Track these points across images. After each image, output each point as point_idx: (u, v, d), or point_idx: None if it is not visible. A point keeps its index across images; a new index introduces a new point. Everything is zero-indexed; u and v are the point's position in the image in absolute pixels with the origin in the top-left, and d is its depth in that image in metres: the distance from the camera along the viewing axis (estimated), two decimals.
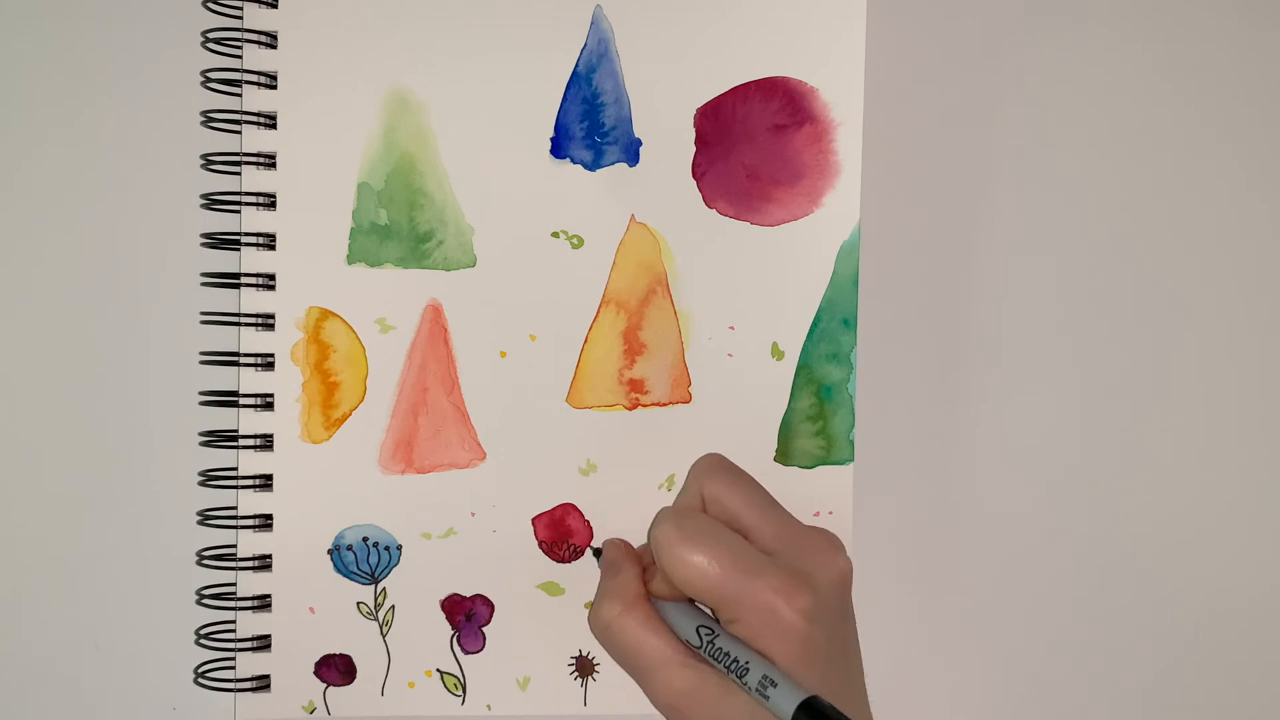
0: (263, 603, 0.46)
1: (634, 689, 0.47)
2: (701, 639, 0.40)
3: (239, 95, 0.45)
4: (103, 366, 0.47)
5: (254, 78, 0.45)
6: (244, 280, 0.46)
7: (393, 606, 0.47)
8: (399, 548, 0.47)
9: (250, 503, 0.46)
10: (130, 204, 0.47)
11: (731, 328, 0.47)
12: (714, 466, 0.44)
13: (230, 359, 0.46)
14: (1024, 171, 0.51)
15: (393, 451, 0.46)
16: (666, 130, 0.47)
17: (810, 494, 0.45)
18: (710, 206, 0.47)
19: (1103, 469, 0.51)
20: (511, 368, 0.47)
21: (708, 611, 0.42)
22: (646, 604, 0.42)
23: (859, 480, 0.48)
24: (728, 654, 0.39)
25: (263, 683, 0.46)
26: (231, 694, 0.46)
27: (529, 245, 0.46)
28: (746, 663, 0.39)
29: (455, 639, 0.47)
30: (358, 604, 0.47)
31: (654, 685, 0.41)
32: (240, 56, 0.45)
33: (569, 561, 0.47)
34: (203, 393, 0.46)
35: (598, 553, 0.45)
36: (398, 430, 0.46)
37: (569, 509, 0.47)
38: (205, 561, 0.46)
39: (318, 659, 0.47)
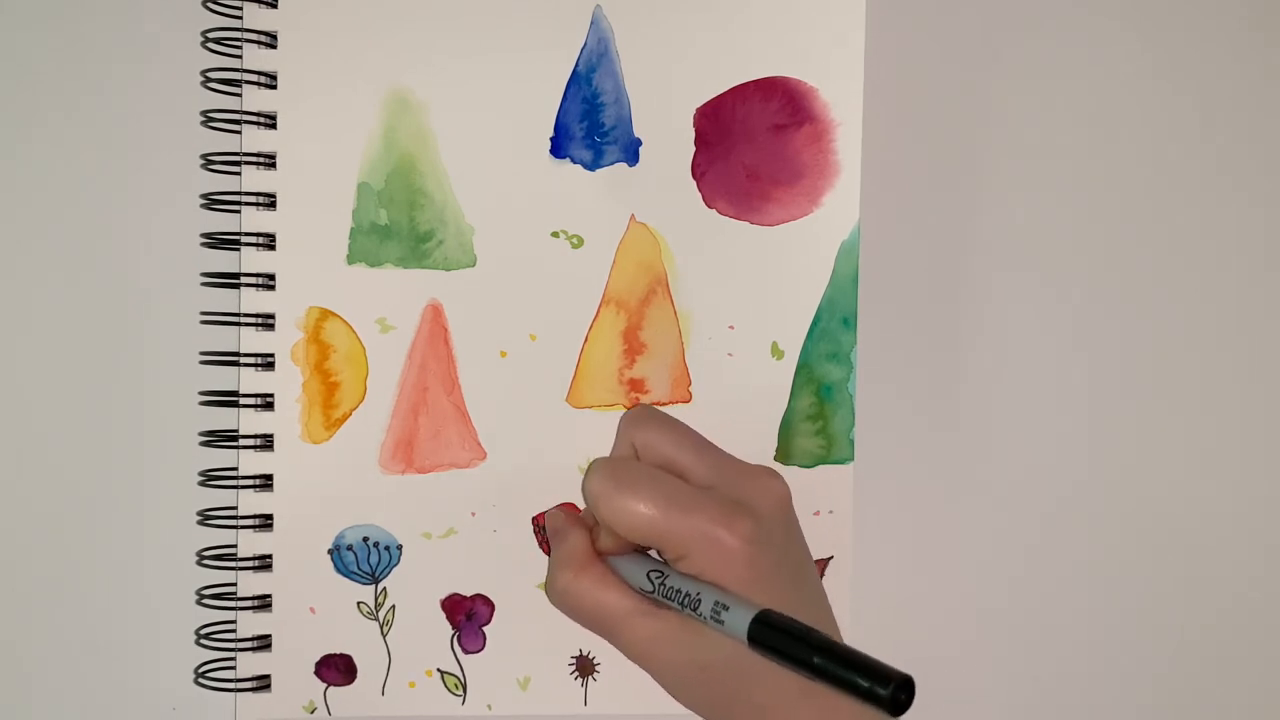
0: (263, 603, 0.46)
1: (634, 689, 0.47)
2: (653, 583, 0.41)
3: (239, 95, 0.45)
4: (103, 366, 0.47)
5: (254, 78, 0.45)
6: (244, 280, 0.46)
7: (393, 606, 0.47)
8: (399, 548, 0.47)
9: (250, 503, 0.46)
10: (130, 204, 0.47)
11: (731, 327, 0.47)
12: (641, 416, 0.44)
13: (230, 359, 0.46)
14: (1024, 171, 0.51)
15: (393, 451, 0.46)
16: (666, 130, 0.47)
17: (810, 493, 0.45)
18: (710, 206, 0.47)
19: (1105, 468, 0.51)
20: (511, 368, 0.47)
21: (657, 557, 0.42)
22: (599, 563, 0.42)
23: (859, 480, 0.48)
24: (679, 590, 0.40)
25: (263, 683, 0.46)
26: (232, 694, 0.46)
27: (529, 245, 0.47)
28: (698, 594, 0.39)
29: (456, 639, 0.47)
30: (358, 604, 0.47)
31: (621, 639, 0.41)
32: (240, 56, 0.45)
33: None
34: (203, 393, 0.46)
35: (542, 528, 0.46)
36: (398, 430, 0.46)
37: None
38: (205, 561, 0.46)
39: (318, 659, 0.47)
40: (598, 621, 0.42)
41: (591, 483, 0.41)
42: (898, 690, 0.34)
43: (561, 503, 0.47)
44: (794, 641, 0.36)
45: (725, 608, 0.38)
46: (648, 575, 0.41)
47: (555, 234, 0.47)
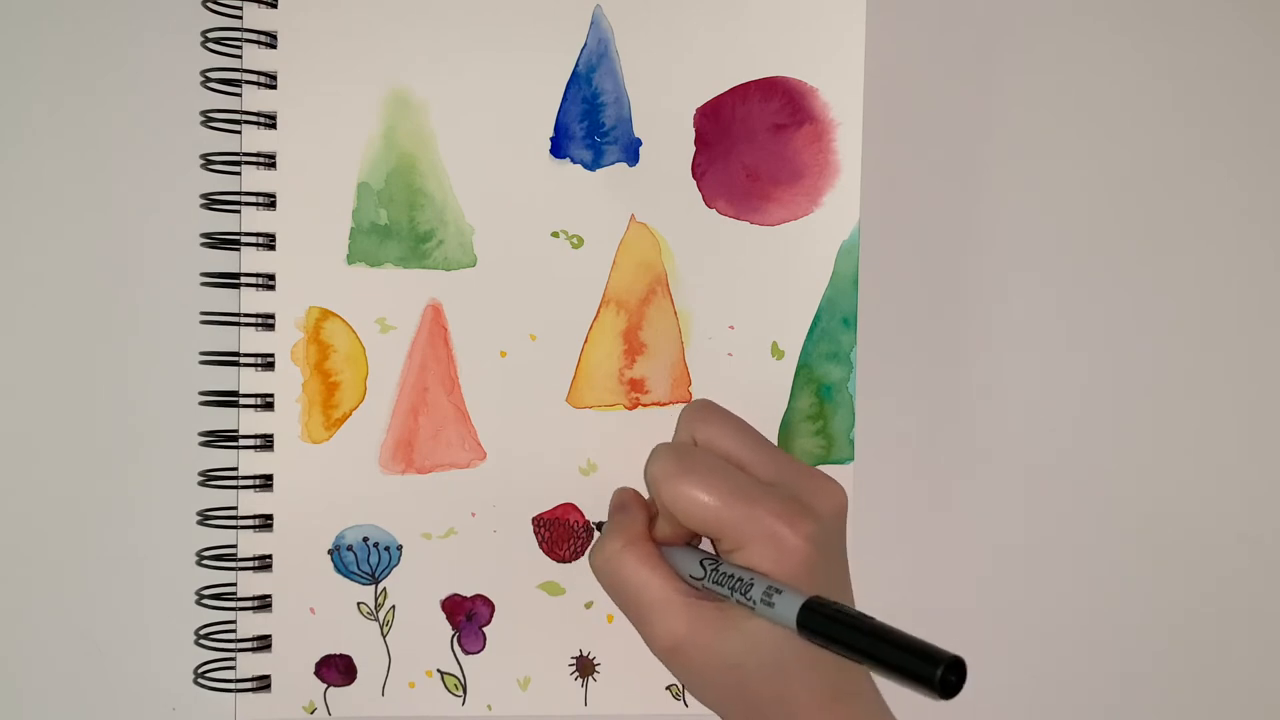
0: (263, 603, 0.46)
1: (634, 689, 0.47)
2: (705, 569, 0.40)
3: (239, 95, 0.45)
4: (103, 366, 0.47)
5: (254, 78, 0.45)
6: (244, 280, 0.46)
7: (393, 607, 0.47)
8: (399, 548, 0.47)
9: (250, 503, 0.46)
10: (130, 204, 0.47)
11: (731, 327, 0.47)
12: (703, 409, 0.43)
13: (230, 359, 0.46)
14: (1023, 171, 0.51)
15: (393, 451, 0.46)
16: (666, 130, 0.47)
17: None
18: (710, 206, 0.47)
19: (1104, 467, 0.51)
20: (511, 368, 0.47)
21: (710, 551, 0.42)
22: (649, 543, 0.42)
23: (859, 480, 0.48)
24: (731, 575, 0.39)
25: (263, 683, 0.46)
26: (232, 694, 0.46)
27: (529, 245, 0.47)
28: (750, 580, 0.39)
29: (456, 639, 0.47)
30: (358, 604, 0.47)
31: (652, 625, 0.40)
32: (240, 56, 0.45)
33: (569, 561, 0.47)
34: (203, 393, 0.46)
35: (599, 525, 0.46)
36: (398, 430, 0.46)
37: (569, 509, 0.47)
38: (205, 561, 0.46)
39: (318, 659, 0.47)
40: (634, 601, 0.41)
41: (655, 466, 0.40)
42: (948, 671, 0.34)
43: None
44: (844, 627, 0.36)
45: (778, 592, 0.38)
46: (700, 562, 0.41)
47: (555, 234, 0.47)
